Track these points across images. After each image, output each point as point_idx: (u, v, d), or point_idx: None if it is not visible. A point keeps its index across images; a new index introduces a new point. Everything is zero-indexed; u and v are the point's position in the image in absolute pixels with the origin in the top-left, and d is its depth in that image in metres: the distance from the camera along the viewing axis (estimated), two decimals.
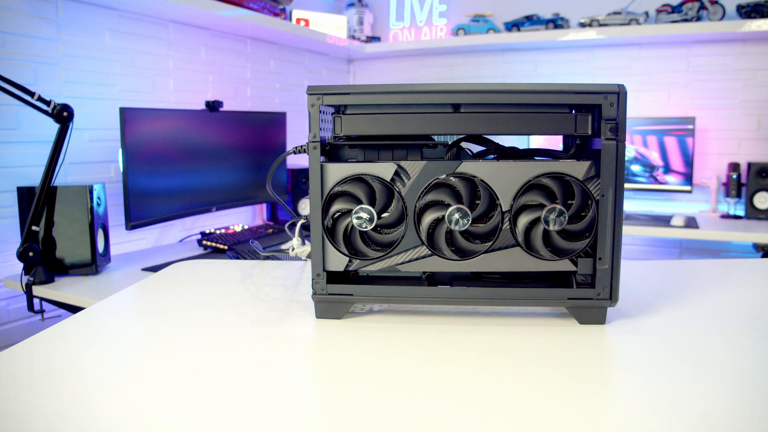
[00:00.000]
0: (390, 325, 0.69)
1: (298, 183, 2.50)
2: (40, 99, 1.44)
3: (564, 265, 0.68)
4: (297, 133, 2.77)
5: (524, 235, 0.67)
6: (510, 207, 0.67)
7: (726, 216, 2.48)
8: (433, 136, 0.72)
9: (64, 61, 1.75)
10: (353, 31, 3.04)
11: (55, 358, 0.59)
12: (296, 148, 0.75)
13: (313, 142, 0.68)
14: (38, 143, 1.68)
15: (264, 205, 2.63)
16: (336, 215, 0.69)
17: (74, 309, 1.46)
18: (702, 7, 2.41)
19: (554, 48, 2.82)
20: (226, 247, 1.92)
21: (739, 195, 2.46)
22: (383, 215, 0.68)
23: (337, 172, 0.68)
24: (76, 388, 0.52)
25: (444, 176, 0.67)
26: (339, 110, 0.69)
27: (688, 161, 2.50)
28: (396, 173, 0.68)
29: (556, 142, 2.57)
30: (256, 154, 2.30)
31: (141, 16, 1.99)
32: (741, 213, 2.49)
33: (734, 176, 2.46)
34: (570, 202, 0.66)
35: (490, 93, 0.66)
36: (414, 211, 0.68)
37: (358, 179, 0.68)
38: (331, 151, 0.74)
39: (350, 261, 0.69)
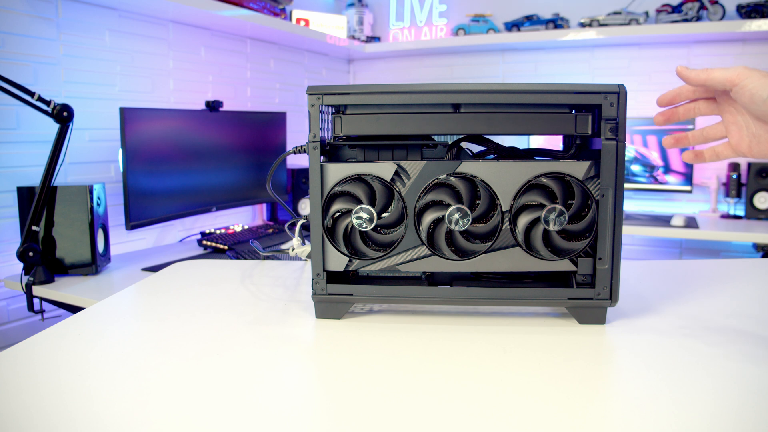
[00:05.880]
0: (390, 325, 0.69)
1: (298, 183, 2.50)
2: (40, 99, 1.44)
3: (564, 265, 0.68)
4: (297, 133, 2.77)
5: (524, 235, 0.67)
6: (510, 207, 0.67)
7: (726, 216, 2.48)
8: (433, 136, 0.72)
9: (64, 61, 1.75)
10: (353, 31, 3.04)
11: (55, 358, 0.59)
12: (296, 148, 0.75)
13: (313, 142, 0.68)
14: (38, 143, 1.68)
15: (264, 205, 2.63)
16: (336, 215, 0.69)
17: (74, 309, 1.46)
18: (702, 7, 2.41)
19: (554, 48, 2.82)
20: (226, 247, 1.92)
21: (739, 195, 2.46)
22: (383, 215, 0.68)
23: (337, 172, 0.68)
24: (77, 387, 0.52)
25: (444, 176, 0.67)
26: (339, 110, 0.69)
27: None
28: (396, 173, 0.68)
29: (556, 142, 2.57)
30: (256, 154, 2.30)
31: (141, 16, 1.99)
32: (741, 213, 2.49)
33: (734, 176, 2.46)
34: (570, 202, 0.66)
35: (490, 93, 0.66)
36: (414, 211, 0.68)
37: (358, 179, 0.68)
38: (331, 151, 0.74)
39: (350, 261, 0.69)
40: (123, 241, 1.96)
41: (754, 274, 0.93)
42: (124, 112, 1.68)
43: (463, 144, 0.73)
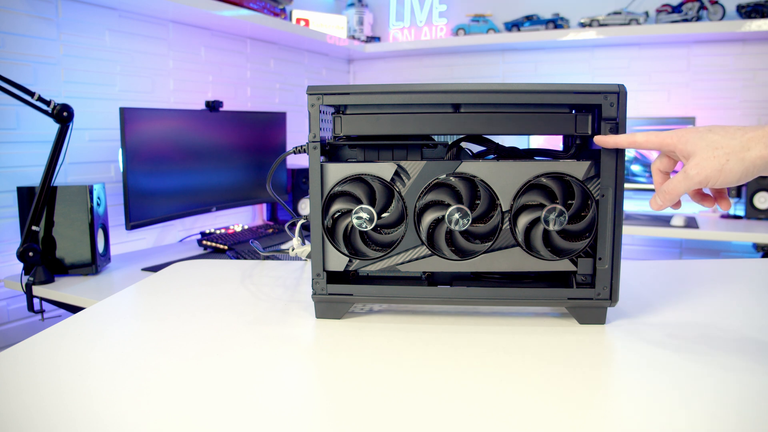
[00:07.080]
0: (390, 325, 0.69)
1: (298, 183, 2.49)
2: (40, 99, 1.44)
3: (564, 265, 0.68)
4: (297, 133, 2.77)
5: (524, 235, 0.67)
6: (510, 207, 0.67)
7: (726, 216, 2.48)
8: (433, 136, 0.72)
9: (64, 61, 1.75)
10: (353, 31, 3.04)
11: (55, 358, 0.59)
12: (296, 148, 0.75)
13: (313, 142, 0.68)
14: (38, 143, 1.68)
15: (264, 205, 2.63)
16: (336, 215, 0.69)
17: (74, 309, 1.46)
18: (702, 7, 2.41)
19: (554, 48, 2.82)
20: (226, 247, 1.92)
21: (739, 195, 2.46)
22: (383, 215, 0.68)
23: (337, 172, 0.68)
24: (77, 387, 0.52)
25: (444, 176, 0.67)
26: (339, 110, 0.69)
27: None
28: (396, 173, 0.68)
29: (556, 142, 2.57)
30: (256, 154, 2.30)
31: (141, 16, 1.99)
32: (741, 213, 2.49)
33: None
34: (570, 202, 0.66)
35: (490, 93, 0.66)
36: (414, 211, 0.68)
37: (358, 179, 0.68)
38: (331, 151, 0.74)
39: (350, 261, 0.69)
40: (123, 241, 1.96)
41: (754, 274, 0.93)
42: (124, 112, 1.68)
43: (463, 144, 0.73)
